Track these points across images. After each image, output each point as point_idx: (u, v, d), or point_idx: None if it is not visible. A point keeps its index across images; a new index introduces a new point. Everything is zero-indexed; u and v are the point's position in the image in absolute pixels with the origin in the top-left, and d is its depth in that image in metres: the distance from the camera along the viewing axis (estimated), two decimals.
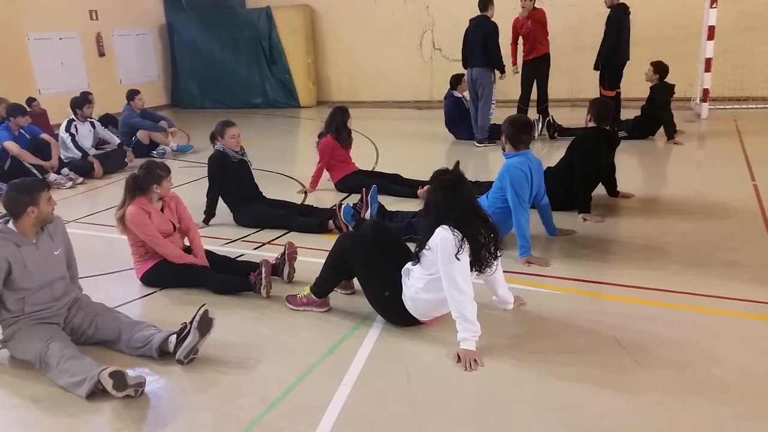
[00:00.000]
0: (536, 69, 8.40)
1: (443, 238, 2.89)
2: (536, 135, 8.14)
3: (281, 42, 12.98)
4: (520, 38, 8.46)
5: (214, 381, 2.86)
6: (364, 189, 4.96)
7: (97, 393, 2.73)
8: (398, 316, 3.21)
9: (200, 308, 2.97)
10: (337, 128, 5.97)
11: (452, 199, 2.98)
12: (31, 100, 9.21)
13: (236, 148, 5.07)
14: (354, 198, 5.29)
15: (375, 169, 6.59)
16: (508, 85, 11.12)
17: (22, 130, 7.14)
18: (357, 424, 2.51)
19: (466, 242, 2.90)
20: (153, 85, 13.69)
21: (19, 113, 7.10)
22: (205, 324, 2.95)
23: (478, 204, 3.14)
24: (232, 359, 3.03)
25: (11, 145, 6.95)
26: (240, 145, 5.13)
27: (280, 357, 3.04)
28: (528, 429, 2.42)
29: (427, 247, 2.98)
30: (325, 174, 6.14)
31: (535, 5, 8.31)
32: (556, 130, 8.17)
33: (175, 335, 2.97)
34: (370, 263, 3.28)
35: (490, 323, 3.22)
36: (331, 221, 4.82)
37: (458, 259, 2.87)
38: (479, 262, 3.00)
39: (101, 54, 12.66)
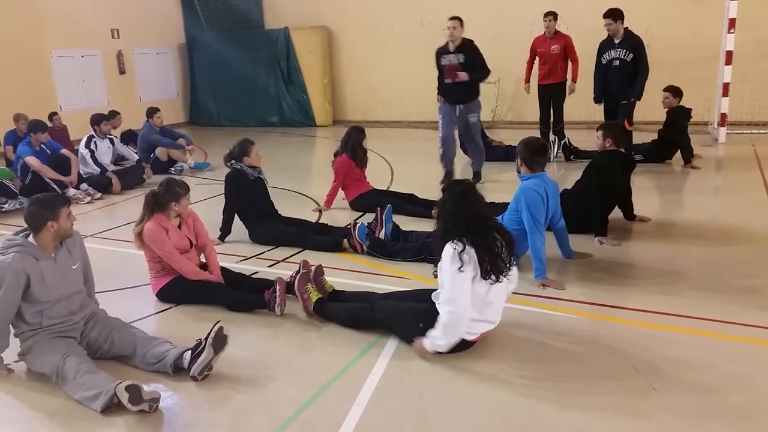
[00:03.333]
0: (551, 94, 8.39)
1: (445, 252, 2.99)
2: (552, 157, 8.16)
3: (299, 62, 13.15)
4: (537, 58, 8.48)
5: (227, 398, 2.86)
6: (379, 208, 4.98)
7: (112, 407, 2.74)
8: None
9: (215, 325, 2.98)
10: (353, 147, 6.02)
11: (461, 211, 3.04)
12: (52, 115, 9.38)
13: (259, 164, 5.14)
14: (369, 217, 5.30)
15: (390, 189, 6.61)
16: (522, 107, 11.19)
17: (42, 146, 7.27)
18: None
19: (471, 253, 2.94)
20: (172, 103, 13.90)
21: (39, 129, 7.24)
22: (219, 341, 2.96)
23: (489, 214, 3.18)
24: (246, 377, 3.03)
25: (32, 160, 7.07)
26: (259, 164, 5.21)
27: (292, 375, 3.04)
28: None
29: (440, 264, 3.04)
30: (341, 193, 6.17)
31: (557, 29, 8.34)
32: (572, 153, 8.16)
33: (189, 351, 2.99)
34: (397, 315, 3.33)
35: (505, 345, 3.21)
36: (345, 240, 4.84)
37: (461, 272, 2.93)
38: (495, 271, 3.00)
39: (122, 71, 12.90)
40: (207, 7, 13.93)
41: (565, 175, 7.12)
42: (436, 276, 3.20)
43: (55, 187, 7.00)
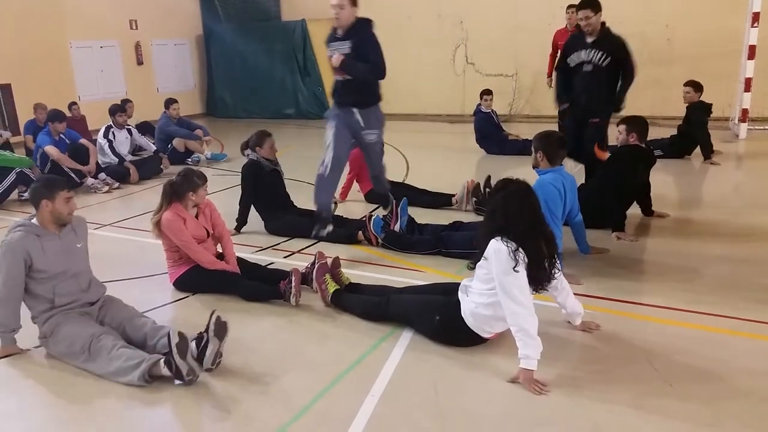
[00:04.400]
0: None
1: (497, 250, 2.82)
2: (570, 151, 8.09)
3: (315, 54, 13.14)
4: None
5: (242, 388, 2.87)
6: (394, 201, 4.97)
7: (149, 381, 2.84)
8: (456, 337, 3.11)
9: (211, 315, 2.94)
10: None
11: (523, 210, 2.91)
12: (72, 105, 9.47)
13: (273, 156, 5.15)
14: (384, 210, 5.30)
15: (405, 181, 6.60)
16: (541, 101, 11.10)
17: (62, 135, 7.35)
18: (382, 429, 2.50)
19: (522, 254, 2.81)
20: (189, 94, 13.97)
21: (58, 119, 7.32)
22: (220, 329, 2.94)
23: (544, 219, 3.08)
24: (260, 367, 3.04)
25: (51, 150, 7.15)
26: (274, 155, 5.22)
27: (308, 366, 3.05)
28: None
29: (484, 258, 2.93)
30: (355, 185, 6.17)
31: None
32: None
33: (194, 342, 2.94)
34: (414, 309, 3.30)
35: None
36: (360, 232, 4.84)
37: (516, 272, 2.78)
38: (535, 280, 2.89)
39: (140, 62, 12.99)
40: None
41: (583, 170, 7.04)
42: (470, 269, 3.14)
43: (73, 176, 7.09)
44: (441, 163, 8.36)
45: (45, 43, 11.08)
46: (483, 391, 2.78)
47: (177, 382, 2.84)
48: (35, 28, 10.87)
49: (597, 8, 5.17)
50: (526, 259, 2.82)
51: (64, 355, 3.09)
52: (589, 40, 5.21)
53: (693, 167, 7.33)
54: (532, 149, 4.13)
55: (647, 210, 5.25)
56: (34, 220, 3.17)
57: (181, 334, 2.83)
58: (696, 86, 7.41)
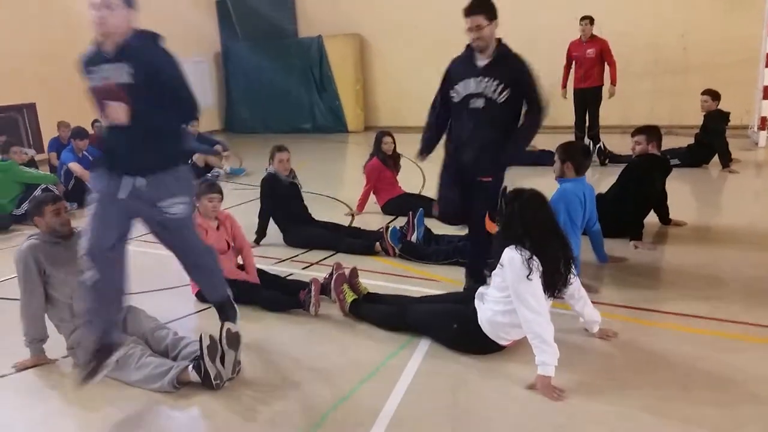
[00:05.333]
0: (587, 98, 8.36)
1: (511, 258, 2.86)
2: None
3: (331, 69, 13.31)
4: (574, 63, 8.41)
5: (264, 395, 2.92)
6: (410, 212, 5.03)
7: (177, 387, 2.93)
8: (474, 345, 3.13)
9: (221, 329, 2.99)
10: (383, 151, 6.09)
11: (537, 217, 2.95)
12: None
13: (285, 172, 5.24)
14: (401, 221, 5.35)
15: (421, 193, 6.65)
16: (557, 111, 11.10)
17: (85, 152, 7.53)
18: None
19: (536, 262, 2.84)
20: (207, 111, 14.20)
21: (81, 136, 7.52)
22: (233, 340, 3.00)
23: (558, 225, 3.12)
24: (281, 375, 3.10)
25: (75, 166, 7.33)
26: (289, 169, 5.30)
27: (327, 374, 3.09)
28: None
29: (499, 266, 2.97)
30: (373, 197, 6.24)
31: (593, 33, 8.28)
32: (606, 157, 8.08)
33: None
34: (431, 317, 3.34)
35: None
36: (378, 243, 4.89)
37: (530, 280, 2.81)
38: (551, 287, 2.91)
39: None
40: (242, 17, 14.22)
41: (600, 180, 7.03)
42: (486, 276, 3.19)
43: None
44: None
45: (68, 63, 11.33)
46: (501, 397, 2.80)
47: (204, 385, 2.92)
48: (57, 47, 11.13)
49: (492, 14, 3.56)
50: (541, 267, 2.85)
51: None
52: (481, 63, 3.57)
53: (711, 176, 7.29)
54: (558, 159, 4.13)
55: (665, 218, 5.24)
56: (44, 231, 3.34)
57: (212, 337, 2.91)
58: (713, 95, 7.39)
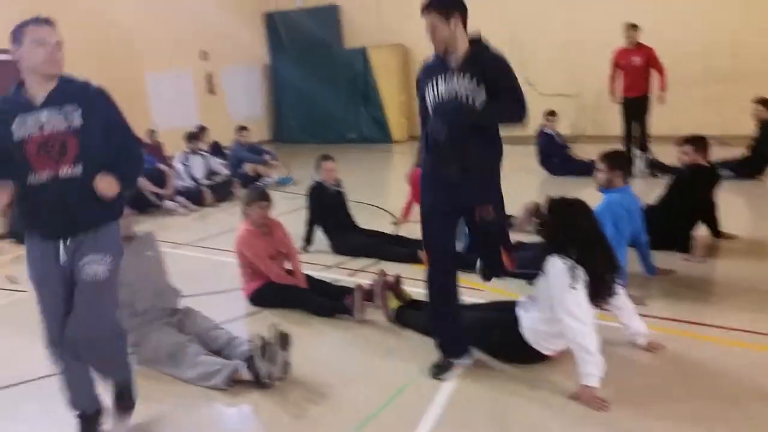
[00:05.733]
0: (634, 108, 8.23)
1: (554, 267, 2.89)
2: (636, 172, 7.99)
3: (376, 80, 13.50)
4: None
5: (310, 395, 3.04)
6: None
7: (231, 385, 3.08)
8: (516, 353, 3.15)
9: (273, 329, 3.14)
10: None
11: (581, 226, 2.98)
12: (152, 132, 10.11)
13: (331, 180, 5.37)
14: None
15: None
16: (606, 120, 10.94)
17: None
18: None
19: (581, 271, 2.85)
20: (257, 121, 14.56)
21: None
22: (284, 341, 3.13)
23: (602, 234, 3.13)
24: (327, 377, 3.21)
25: None
26: (335, 178, 5.44)
27: (371, 378, 3.18)
28: None
29: (543, 274, 2.99)
30: (417, 206, 6.30)
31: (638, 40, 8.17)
32: (656, 168, 7.94)
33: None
34: (473, 325, 3.35)
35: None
36: (422, 252, 4.94)
37: (574, 289, 2.82)
38: (596, 296, 2.92)
39: (211, 91, 13.69)
40: (289, 30, 14.58)
41: (648, 191, 6.91)
42: (530, 284, 3.23)
43: (153, 199, 7.58)
44: (503, 183, 8.37)
45: (122, 75, 11.86)
46: (543, 407, 2.82)
47: (255, 384, 3.06)
48: (113, 59, 11.66)
49: (447, 12, 2.91)
50: (586, 276, 2.86)
51: (150, 362, 3.35)
52: (453, 64, 2.96)
53: (766, 188, 7.07)
54: (604, 169, 4.10)
55: (715, 230, 5.12)
56: None
57: (264, 338, 3.06)
58: (766, 103, 7.19)
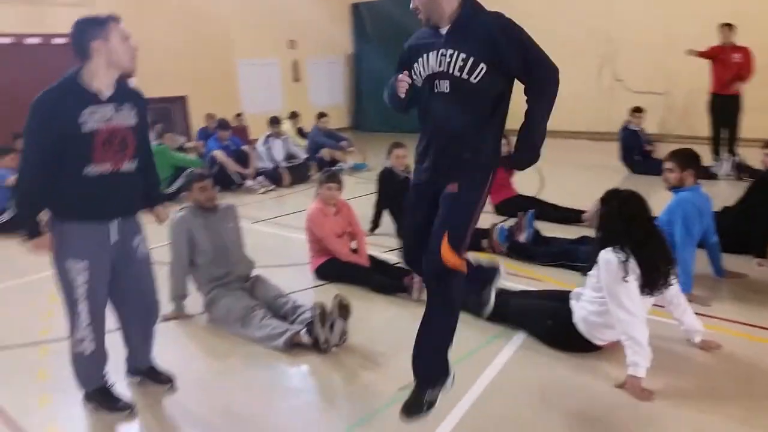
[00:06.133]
0: (727, 106, 7.87)
1: (606, 260, 2.94)
2: (722, 174, 7.68)
3: None
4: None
5: (362, 365, 3.24)
6: (520, 213, 5.11)
7: (292, 346, 3.34)
8: (568, 343, 3.22)
9: (335, 299, 3.39)
10: None
11: (634, 218, 3.00)
12: (238, 115, 10.67)
13: (400, 167, 5.54)
14: (511, 222, 5.44)
15: (537, 196, 6.65)
16: (696, 121, 10.46)
17: (228, 142, 8.36)
18: (484, 415, 2.73)
19: (634, 263, 2.89)
20: (337, 109, 14.96)
21: (224, 127, 8.37)
22: (343, 311, 3.37)
23: (656, 226, 3.14)
24: (381, 347, 3.40)
25: (219, 154, 8.16)
26: (405, 165, 5.59)
27: None
28: None
29: (595, 266, 3.05)
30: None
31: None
32: (744, 171, 7.56)
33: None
34: (528, 312, 3.46)
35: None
36: (485, 241, 5.03)
37: (626, 281, 2.86)
38: (650, 285, 2.95)
39: (296, 79, 14.18)
40: (374, 20, 14.82)
41: (733, 194, 6.62)
42: (584, 276, 3.28)
43: (235, 178, 8.05)
44: (579, 180, 8.24)
45: (216, 61, 12.53)
46: (587, 393, 2.87)
47: (314, 348, 3.30)
48: (208, 48, 12.35)
49: None
50: (638, 269, 2.89)
51: (221, 322, 3.66)
52: (444, 30, 2.44)
53: None
54: (675, 168, 4.02)
55: None
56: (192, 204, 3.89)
57: (324, 307, 3.30)
58: None
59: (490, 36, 2.33)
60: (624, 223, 2.98)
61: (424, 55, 2.43)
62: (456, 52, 2.33)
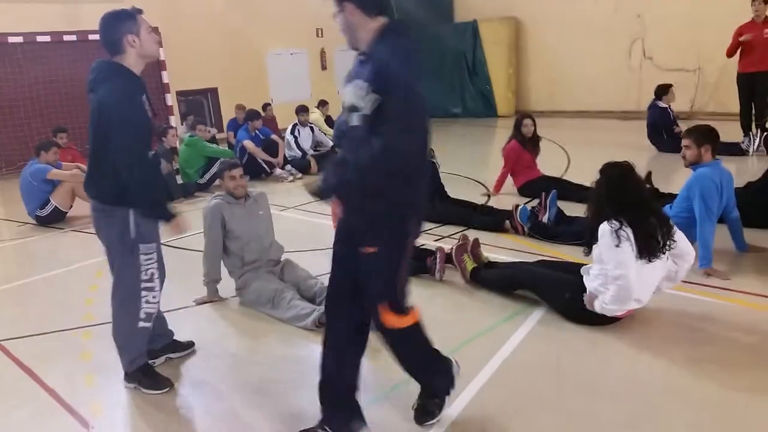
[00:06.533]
0: (756, 83, 7.72)
1: (602, 231, 3.13)
2: (752, 151, 7.56)
3: (484, 53, 13.45)
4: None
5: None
6: (543, 193, 5.17)
7: (319, 326, 3.43)
8: (585, 315, 3.33)
9: None
10: (521, 134, 6.23)
11: (617, 193, 3.16)
12: (266, 105, 10.87)
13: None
14: (534, 203, 5.50)
15: (562, 177, 6.67)
16: (728, 96, 10.26)
17: (257, 132, 8.57)
18: (503, 384, 2.85)
19: (628, 230, 3.05)
20: None
21: (254, 118, 8.57)
22: None
23: (647, 196, 3.28)
24: None
25: (248, 144, 8.37)
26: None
27: (444, 329, 3.41)
28: (668, 415, 2.52)
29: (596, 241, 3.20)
30: (510, 179, 6.41)
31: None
32: None
33: None
34: (546, 282, 3.59)
35: (651, 324, 3.30)
36: (507, 221, 5.11)
37: (618, 246, 3.05)
38: (648, 251, 3.10)
39: (323, 67, 14.33)
40: (401, 7, 14.82)
41: (762, 169, 6.54)
42: (586, 254, 3.39)
43: (265, 167, 8.26)
44: (605, 159, 8.17)
45: (246, 52, 12.76)
46: (603, 364, 2.97)
47: None
48: (238, 40, 12.58)
49: None
50: (632, 236, 3.05)
51: (253, 303, 3.86)
52: (362, 58, 2.36)
53: None
54: (692, 144, 4.07)
55: None
56: (225, 193, 4.06)
57: None
58: None
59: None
60: (614, 192, 3.15)
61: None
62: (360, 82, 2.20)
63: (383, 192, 2.18)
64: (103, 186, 2.78)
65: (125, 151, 2.67)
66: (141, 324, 2.95)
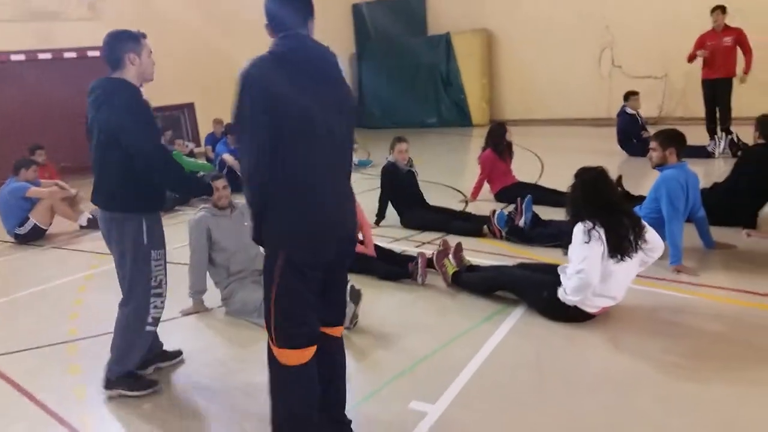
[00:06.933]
0: (717, 89, 8.04)
1: (576, 229, 3.32)
2: (717, 153, 7.84)
3: (458, 65, 13.70)
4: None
5: (371, 344, 3.47)
6: (519, 198, 5.33)
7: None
8: (562, 312, 3.47)
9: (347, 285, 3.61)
10: (495, 143, 6.41)
11: (591, 196, 3.34)
12: None
13: (403, 161, 5.76)
14: (511, 208, 5.65)
15: (537, 183, 6.86)
16: (694, 102, 10.59)
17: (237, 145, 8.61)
18: (485, 382, 2.96)
19: (600, 230, 3.22)
20: None
21: (233, 132, 8.59)
22: (355, 296, 3.59)
23: (619, 199, 3.46)
24: (389, 329, 3.63)
25: (228, 158, 8.41)
26: (408, 159, 5.81)
27: (428, 329, 3.58)
28: (645, 410, 2.64)
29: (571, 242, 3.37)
30: (487, 186, 6.57)
31: (726, 22, 7.97)
32: (739, 149, 7.71)
33: None
34: (525, 282, 3.74)
35: (626, 320, 3.45)
36: (485, 226, 5.25)
37: (586, 243, 3.23)
38: (620, 251, 3.27)
39: None
40: (375, 19, 15.05)
41: (728, 171, 6.80)
42: (564, 254, 3.53)
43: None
44: (578, 165, 8.40)
45: (222, 67, 12.77)
46: (580, 359, 3.11)
47: None
48: (215, 55, 12.61)
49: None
50: (604, 237, 3.21)
51: (239, 313, 3.92)
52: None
53: None
54: (658, 147, 4.28)
55: None
56: (210, 205, 4.11)
57: (351, 286, 3.49)
58: None
59: None
60: (589, 194, 3.34)
61: None
62: None
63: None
64: (114, 195, 2.89)
65: (152, 154, 2.82)
66: (148, 328, 3.09)
